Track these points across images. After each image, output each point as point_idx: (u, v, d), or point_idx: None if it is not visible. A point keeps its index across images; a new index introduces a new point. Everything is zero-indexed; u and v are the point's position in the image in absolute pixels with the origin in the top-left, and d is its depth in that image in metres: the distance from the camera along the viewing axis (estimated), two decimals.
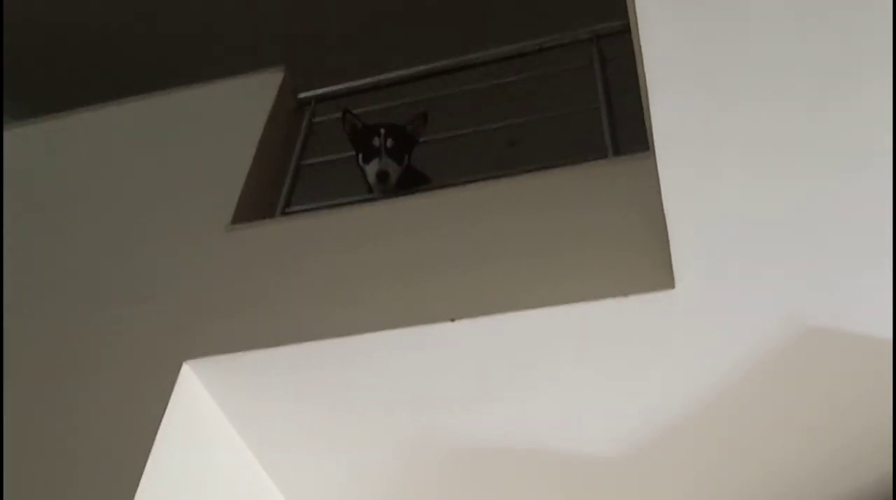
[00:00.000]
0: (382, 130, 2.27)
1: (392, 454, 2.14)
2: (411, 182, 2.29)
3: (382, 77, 2.65)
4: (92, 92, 2.89)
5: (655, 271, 1.62)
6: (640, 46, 1.27)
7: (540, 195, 1.89)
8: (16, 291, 2.14)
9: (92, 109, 2.64)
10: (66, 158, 2.55)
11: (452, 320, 1.72)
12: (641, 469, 2.15)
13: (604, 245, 1.72)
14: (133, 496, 1.60)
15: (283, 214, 2.22)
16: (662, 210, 1.57)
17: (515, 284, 1.74)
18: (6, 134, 2.68)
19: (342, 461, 2.15)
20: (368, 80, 2.66)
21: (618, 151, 2.01)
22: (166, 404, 1.75)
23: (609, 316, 1.67)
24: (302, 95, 2.64)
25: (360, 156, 2.29)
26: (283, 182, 2.35)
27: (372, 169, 2.24)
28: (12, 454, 1.76)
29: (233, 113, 2.48)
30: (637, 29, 1.25)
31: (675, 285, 1.60)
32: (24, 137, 2.69)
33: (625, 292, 1.62)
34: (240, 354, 1.83)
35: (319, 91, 2.65)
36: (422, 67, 2.63)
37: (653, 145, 1.65)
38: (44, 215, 2.35)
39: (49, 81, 3.79)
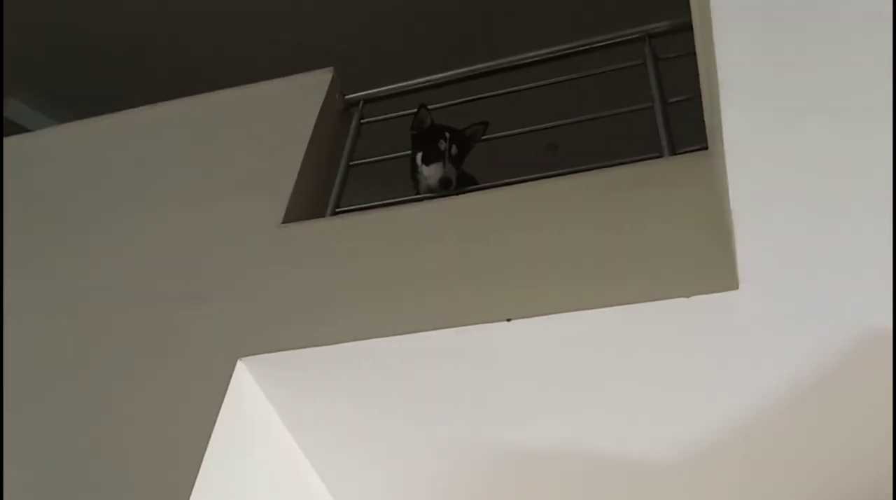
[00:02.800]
0: (447, 134, 2.28)
1: (440, 458, 2.12)
2: (460, 183, 2.29)
3: (430, 78, 2.64)
4: (140, 93, 2.93)
5: (718, 271, 1.59)
6: (710, 47, 1.25)
7: (595, 194, 1.86)
8: (72, 292, 2.17)
9: (143, 110, 2.67)
10: (119, 158, 2.57)
11: (509, 319, 1.70)
12: (696, 477, 2.10)
13: (664, 245, 1.68)
14: (190, 490, 1.61)
15: (334, 213, 2.22)
16: (724, 209, 1.54)
17: (572, 284, 1.71)
18: (60, 131, 2.73)
19: (390, 464, 2.14)
20: (415, 81, 2.65)
21: (673, 151, 1.98)
22: (221, 401, 1.76)
23: (670, 318, 1.64)
24: (350, 96, 2.64)
25: (421, 155, 2.29)
26: (332, 182, 2.35)
27: (434, 173, 2.25)
28: (71, 453, 1.78)
29: (283, 113, 2.49)
30: (709, 29, 1.22)
31: (739, 286, 1.56)
32: (78, 136, 2.73)
33: (687, 294, 1.59)
34: (292, 351, 1.83)
35: (367, 92, 2.65)
36: (468, 68, 2.62)
37: (715, 143, 1.63)
38: (99, 216, 2.37)
39: (101, 83, 3.86)
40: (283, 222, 2.13)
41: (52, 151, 2.75)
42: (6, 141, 2.78)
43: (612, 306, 1.65)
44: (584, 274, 1.72)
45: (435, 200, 2.17)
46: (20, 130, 3.04)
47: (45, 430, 1.84)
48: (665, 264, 1.65)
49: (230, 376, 1.80)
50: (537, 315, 1.69)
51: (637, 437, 1.99)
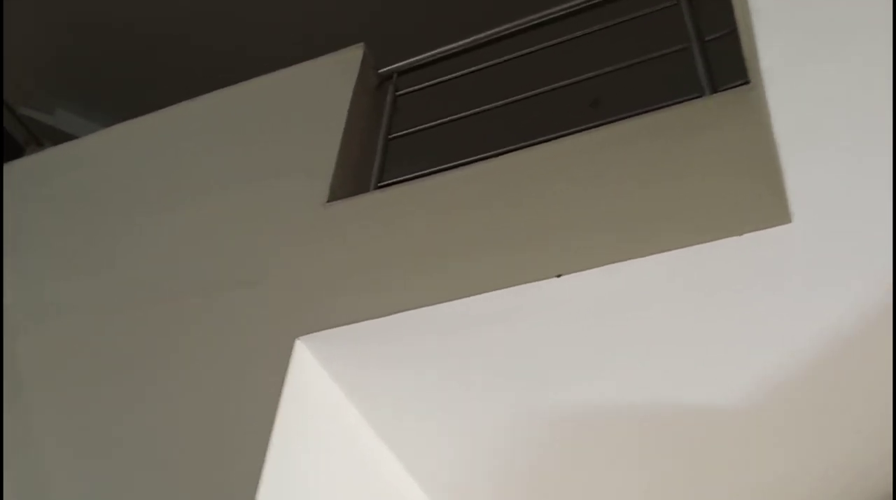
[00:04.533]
0: None
1: (504, 421, 2.14)
2: None
3: (461, 43, 2.61)
4: (178, 92, 2.98)
5: (768, 207, 1.55)
6: None
7: (638, 141, 1.82)
8: (124, 286, 2.23)
9: (182, 106, 2.71)
10: (161, 153, 2.62)
11: (559, 275, 1.69)
12: (760, 421, 2.08)
13: (712, 184, 1.64)
14: (260, 473, 1.64)
15: (377, 187, 2.23)
16: (769, 143, 1.50)
17: (621, 233, 1.69)
18: (105, 134, 2.80)
19: (454, 429, 2.17)
20: (447, 47, 2.63)
21: (714, 89, 1.92)
22: (283, 382, 1.79)
23: (723, 258, 1.60)
24: (383, 70, 2.64)
25: None
26: (373, 157, 2.36)
27: None
28: (137, 438, 1.84)
29: (319, 93, 2.50)
30: None
31: (792, 220, 1.52)
32: (122, 136, 2.79)
33: (739, 231, 1.55)
34: (349, 326, 1.85)
35: (400, 64, 2.64)
36: (499, 28, 2.58)
37: (755, 77, 1.58)
38: (147, 210, 2.43)
39: (140, 86, 3.94)
40: (329, 201, 2.15)
41: (96, 153, 2.82)
42: (56, 150, 2.87)
43: (663, 252, 1.62)
44: (631, 223, 1.69)
45: (474, 164, 2.16)
46: (69, 138, 3.12)
47: (108, 425, 1.91)
48: (714, 205, 1.61)
49: (289, 356, 1.83)
50: (587, 268, 1.67)
51: (698, 383, 1.97)
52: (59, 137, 3.02)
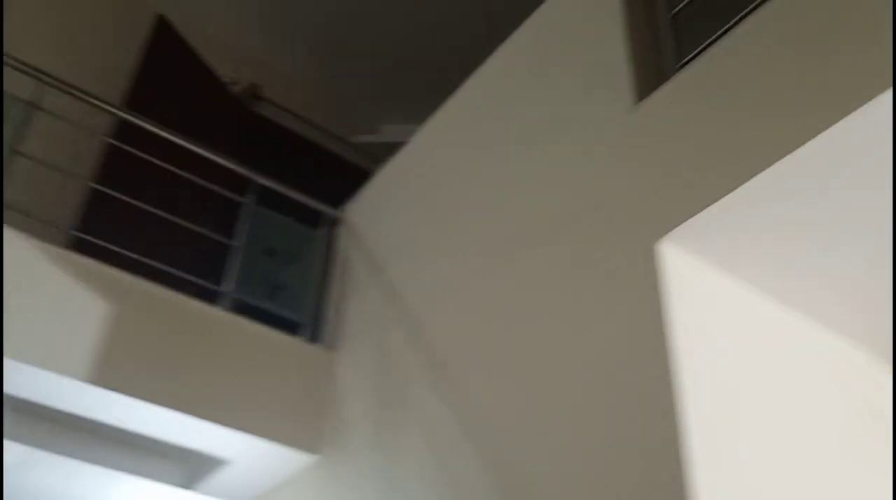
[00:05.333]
0: None
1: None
2: None
3: None
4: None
5: None
6: None
7: None
8: (497, 227, 2.44)
9: (476, 76, 2.89)
10: (489, 109, 2.82)
11: None
12: None
13: None
14: (673, 381, 1.67)
15: (676, 70, 2.14)
16: None
17: None
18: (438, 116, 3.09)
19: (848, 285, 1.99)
20: None
21: None
22: (662, 285, 1.81)
23: None
24: None
25: None
26: (660, 44, 2.28)
27: None
28: (544, 384, 1.98)
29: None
30: None
31: None
32: (449, 114, 3.05)
33: None
34: (713, 207, 1.79)
35: None
36: None
37: None
38: (493, 163, 2.64)
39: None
40: (638, 102, 2.12)
41: (431, 140, 3.13)
42: (400, 155, 3.23)
43: None
44: None
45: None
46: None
47: (528, 358, 2.09)
48: None
49: (659, 259, 1.84)
50: None
51: None
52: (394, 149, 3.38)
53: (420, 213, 2.93)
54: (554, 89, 2.49)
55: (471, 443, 2.12)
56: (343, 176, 4.30)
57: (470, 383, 2.25)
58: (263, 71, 4.88)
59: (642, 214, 1.95)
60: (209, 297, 2.93)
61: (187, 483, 2.88)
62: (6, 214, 2.58)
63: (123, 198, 2.92)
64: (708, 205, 1.80)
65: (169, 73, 4.00)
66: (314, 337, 3.08)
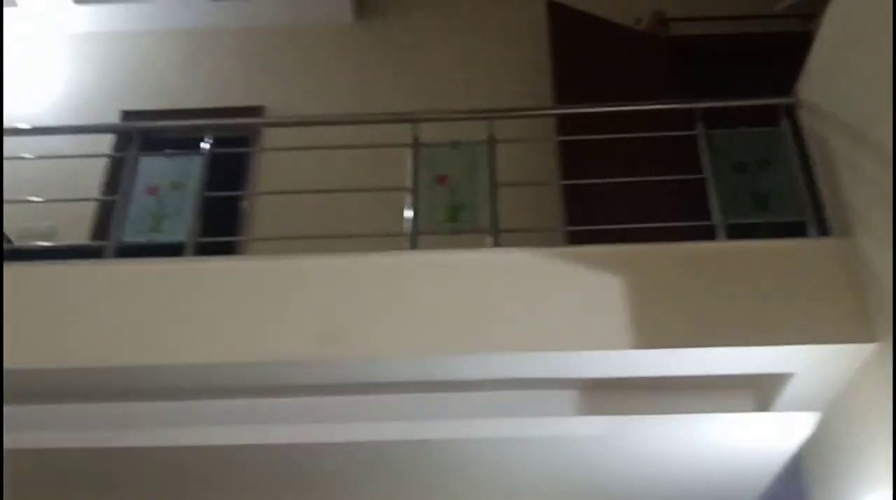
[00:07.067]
0: None
1: None
2: None
3: None
4: None
5: None
6: None
7: None
8: None
9: None
10: None
11: None
12: None
13: None
14: None
15: None
16: None
17: None
18: None
19: None
20: None
21: None
22: None
23: None
24: None
25: None
26: None
27: None
28: None
29: None
30: None
31: None
32: None
33: None
34: None
35: None
36: None
37: None
38: None
39: None
40: None
41: None
42: None
43: None
44: None
45: None
46: None
47: None
48: None
49: None
50: None
51: None
52: None
53: (885, 54, 2.54)
54: None
55: None
56: (780, 56, 3.97)
57: None
58: None
59: None
60: (704, 235, 2.98)
61: (763, 406, 2.97)
62: (506, 237, 2.99)
63: (592, 182, 3.16)
64: None
65: (579, 47, 4.20)
66: (823, 230, 2.93)
